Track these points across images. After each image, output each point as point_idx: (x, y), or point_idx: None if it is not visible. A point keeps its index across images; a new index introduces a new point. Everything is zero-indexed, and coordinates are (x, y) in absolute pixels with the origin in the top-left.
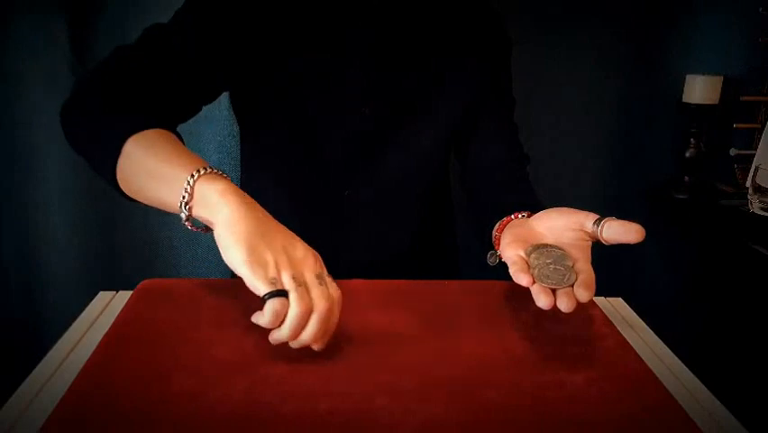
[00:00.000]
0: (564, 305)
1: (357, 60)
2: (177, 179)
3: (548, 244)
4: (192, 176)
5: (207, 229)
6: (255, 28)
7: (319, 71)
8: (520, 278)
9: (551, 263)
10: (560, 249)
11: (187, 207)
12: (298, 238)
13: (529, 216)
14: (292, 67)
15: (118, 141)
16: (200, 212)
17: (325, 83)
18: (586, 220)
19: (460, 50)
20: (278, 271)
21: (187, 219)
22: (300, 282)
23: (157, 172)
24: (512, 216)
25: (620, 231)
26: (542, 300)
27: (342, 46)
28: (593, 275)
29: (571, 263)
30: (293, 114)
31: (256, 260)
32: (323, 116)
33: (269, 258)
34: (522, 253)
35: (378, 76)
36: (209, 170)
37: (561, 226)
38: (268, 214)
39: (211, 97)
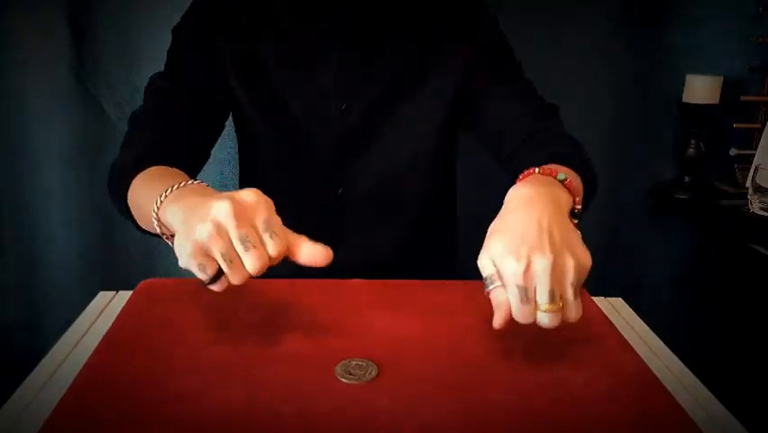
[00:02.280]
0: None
1: (335, 54)
2: (152, 222)
3: None
4: (155, 218)
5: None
6: (232, 32)
7: (295, 68)
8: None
9: None
10: None
11: (166, 237)
12: (226, 194)
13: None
14: (269, 65)
15: (123, 199)
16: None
17: (303, 80)
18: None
19: (442, 34)
20: (210, 251)
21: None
22: (230, 257)
23: (145, 217)
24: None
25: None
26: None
27: (320, 39)
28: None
29: None
30: (276, 114)
31: (187, 253)
32: (306, 115)
33: (196, 243)
34: None
35: (357, 69)
36: (163, 197)
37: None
38: (207, 191)
39: (226, 114)
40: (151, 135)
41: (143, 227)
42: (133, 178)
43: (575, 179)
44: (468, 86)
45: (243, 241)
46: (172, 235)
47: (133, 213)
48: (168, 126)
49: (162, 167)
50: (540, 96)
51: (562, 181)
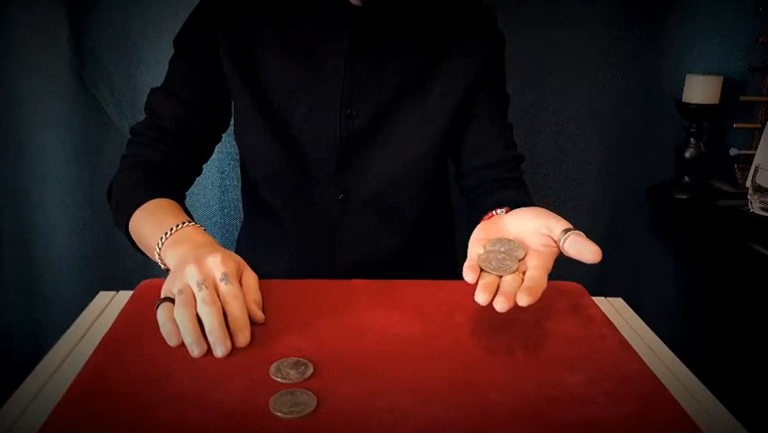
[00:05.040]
0: (499, 305)
1: (341, 58)
2: (154, 255)
3: (509, 239)
4: (157, 253)
5: None
6: (234, 38)
7: (300, 72)
8: (466, 273)
9: (501, 252)
10: (517, 244)
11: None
12: (213, 251)
13: (507, 213)
14: (273, 70)
15: (124, 223)
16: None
17: (308, 85)
18: (555, 226)
19: (449, 46)
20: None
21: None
22: (183, 291)
23: (147, 249)
24: (493, 213)
25: (579, 247)
26: (479, 297)
27: (325, 42)
28: (542, 283)
29: (521, 255)
30: (279, 119)
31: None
32: (310, 119)
33: (177, 281)
34: (481, 250)
35: (364, 73)
36: (165, 238)
37: (531, 229)
38: (204, 243)
39: (225, 125)
40: (153, 153)
41: (142, 250)
42: (135, 210)
43: None
44: (472, 94)
45: (207, 281)
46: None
47: (135, 239)
48: (166, 147)
49: (161, 202)
50: (515, 143)
51: None
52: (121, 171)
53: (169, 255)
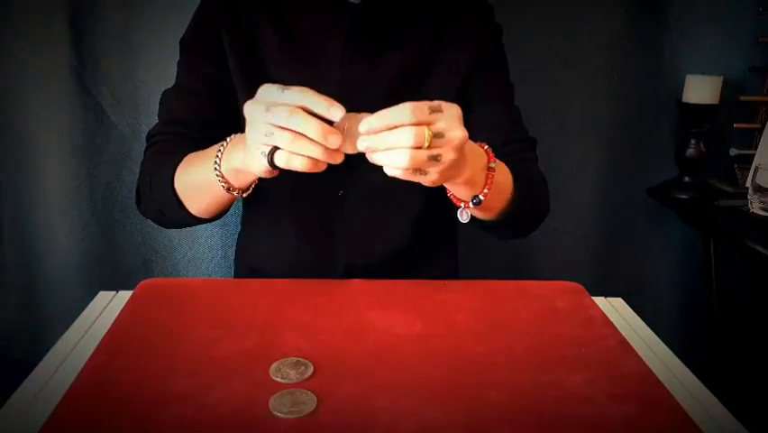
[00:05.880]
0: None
1: (338, 52)
2: (213, 176)
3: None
4: (216, 168)
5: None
6: (235, 34)
7: (299, 67)
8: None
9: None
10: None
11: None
12: None
13: None
14: (271, 66)
15: (169, 183)
16: (232, 161)
17: (306, 79)
18: None
19: (444, 39)
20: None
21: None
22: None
23: (203, 175)
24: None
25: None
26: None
27: (323, 37)
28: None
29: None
30: None
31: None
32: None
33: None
34: None
35: (361, 68)
36: (221, 153)
37: None
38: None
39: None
40: (174, 147)
41: (198, 204)
42: (174, 169)
43: (503, 179)
44: (468, 88)
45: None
46: (227, 187)
47: (183, 189)
48: (187, 139)
49: (195, 152)
50: (524, 127)
51: (489, 168)
52: (144, 163)
53: (232, 157)
